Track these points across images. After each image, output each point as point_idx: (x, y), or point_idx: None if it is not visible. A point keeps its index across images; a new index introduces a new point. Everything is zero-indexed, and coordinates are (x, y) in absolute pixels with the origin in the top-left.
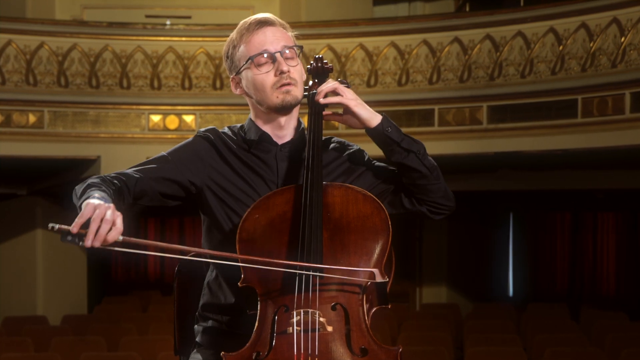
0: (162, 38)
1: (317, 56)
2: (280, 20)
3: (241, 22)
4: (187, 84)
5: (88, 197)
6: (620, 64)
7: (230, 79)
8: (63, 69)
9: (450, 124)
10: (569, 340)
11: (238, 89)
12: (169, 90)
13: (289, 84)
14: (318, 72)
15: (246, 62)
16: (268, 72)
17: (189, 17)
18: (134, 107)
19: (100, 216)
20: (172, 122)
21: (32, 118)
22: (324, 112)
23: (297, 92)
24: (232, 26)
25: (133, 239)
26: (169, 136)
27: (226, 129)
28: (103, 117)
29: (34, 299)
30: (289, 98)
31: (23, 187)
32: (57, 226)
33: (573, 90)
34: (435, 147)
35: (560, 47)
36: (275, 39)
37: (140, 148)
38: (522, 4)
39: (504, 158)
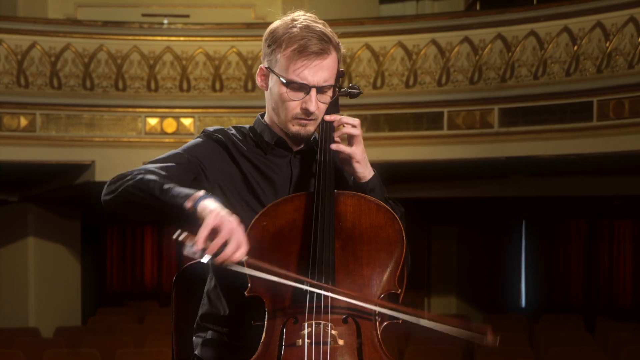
0: (159, 38)
1: None
2: (335, 40)
3: (300, 28)
4: (185, 86)
5: (201, 199)
6: (637, 64)
7: (260, 68)
8: (56, 70)
9: (460, 127)
10: (584, 353)
11: (263, 83)
12: (167, 92)
13: (309, 120)
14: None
15: (280, 76)
16: (295, 100)
17: (188, 16)
18: (130, 109)
19: (228, 231)
20: (170, 125)
21: (23, 121)
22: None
23: (314, 127)
24: (232, 25)
25: (259, 262)
26: (167, 140)
27: (233, 130)
28: (98, 120)
29: (26, 310)
30: (303, 133)
31: (14, 193)
32: (181, 236)
33: (588, 92)
34: (444, 152)
35: (575, 47)
36: (320, 72)
37: (137, 152)
38: (534, 2)
39: (516, 163)
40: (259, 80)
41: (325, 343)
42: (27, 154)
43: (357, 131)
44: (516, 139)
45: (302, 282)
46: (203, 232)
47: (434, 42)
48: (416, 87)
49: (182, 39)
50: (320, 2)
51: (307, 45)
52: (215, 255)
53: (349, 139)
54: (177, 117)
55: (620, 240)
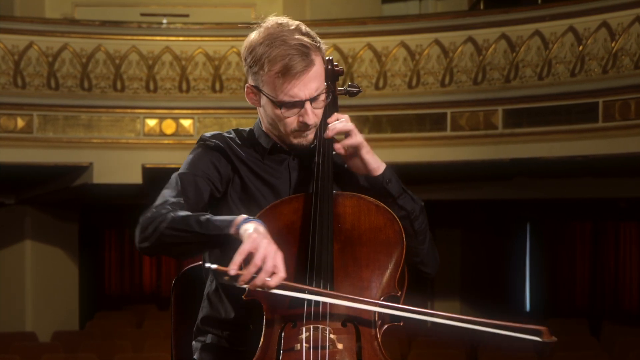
0: (158, 38)
1: (327, 58)
2: (315, 43)
3: (278, 46)
4: (184, 87)
5: (242, 223)
6: None
7: (246, 86)
8: (53, 71)
9: (464, 128)
10: (589, 358)
11: (254, 100)
12: (166, 92)
13: (309, 131)
14: (328, 75)
15: (271, 98)
16: (291, 117)
17: (187, 16)
18: (129, 110)
19: (262, 257)
20: (169, 126)
21: (20, 122)
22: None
23: (314, 133)
24: (232, 25)
25: (294, 284)
26: (166, 141)
27: (233, 133)
28: (96, 122)
29: (23, 314)
30: (305, 142)
31: (11, 196)
32: (213, 266)
33: (594, 92)
34: (447, 153)
35: (580, 47)
36: (310, 84)
37: (135, 154)
38: (539, 1)
39: (521, 165)
40: (248, 98)
41: (324, 347)
42: (24, 155)
43: (349, 125)
44: (520, 141)
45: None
46: (237, 258)
47: (437, 42)
48: (419, 88)
49: (181, 38)
50: (322, 2)
51: (290, 65)
52: (249, 281)
53: (346, 136)
54: (176, 118)
55: (626, 244)
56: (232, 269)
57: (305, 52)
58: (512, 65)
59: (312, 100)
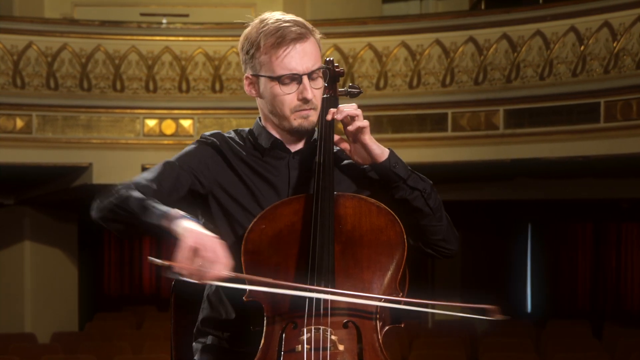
0: (157, 38)
1: (327, 59)
2: (310, 27)
3: (272, 23)
4: (184, 87)
5: (178, 219)
6: None
7: (244, 77)
8: (52, 71)
9: (465, 129)
10: (591, 359)
11: (252, 90)
12: (166, 93)
13: (309, 109)
14: (328, 76)
15: (269, 76)
16: (291, 93)
17: (187, 16)
18: (128, 111)
19: (205, 250)
20: (169, 127)
21: (19, 123)
22: (335, 139)
23: (316, 116)
24: (232, 25)
25: (245, 275)
26: (165, 142)
27: (232, 133)
28: (95, 122)
29: (22, 315)
30: (306, 124)
31: (10, 196)
32: (156, 260)
33: (595, 93)
34: (448, 154)
35: (582, 47)
36: (306, 58)
37: (135, 154)
38: (541, 1)
39: (522, 165)
40: (247, 90)
41: (325, 348)
42: (23, 156)
43: (358, 111)
44: (522, 141)
45: (299, 290)
46: (180, 254)
47: (438, 42)
48: (420, 88)
49: (181, 38)
50: (322, 1)
51: (283, 34)
52: (197, 275)
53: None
54: (176, 119)
55: (627, 244)
56: (177, 265)
57: (299, 25)
58: (514, 66)
59: (310, 76)
